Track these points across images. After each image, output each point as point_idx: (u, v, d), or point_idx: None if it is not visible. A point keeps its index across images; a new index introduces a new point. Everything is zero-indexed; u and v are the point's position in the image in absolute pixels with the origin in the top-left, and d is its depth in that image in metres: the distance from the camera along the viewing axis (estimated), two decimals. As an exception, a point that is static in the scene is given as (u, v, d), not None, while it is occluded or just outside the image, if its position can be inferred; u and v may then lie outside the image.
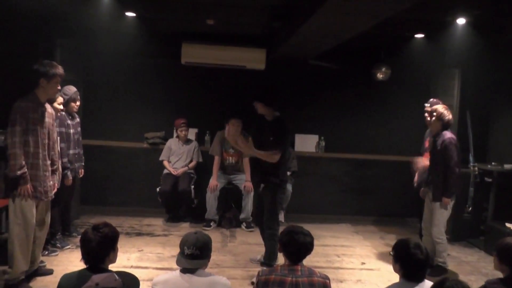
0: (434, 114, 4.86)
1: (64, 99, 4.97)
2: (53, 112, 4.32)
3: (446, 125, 4.81)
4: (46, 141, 4.13)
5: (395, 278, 2.81)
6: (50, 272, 4.43)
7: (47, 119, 4.12)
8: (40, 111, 4.04)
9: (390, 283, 2.82)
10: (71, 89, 5.18)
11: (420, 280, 2.67)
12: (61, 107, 4.84)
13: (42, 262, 4.47)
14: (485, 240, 5.99)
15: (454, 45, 6.07)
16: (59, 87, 4.20)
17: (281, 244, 2.91)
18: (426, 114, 5.35)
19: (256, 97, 4.68)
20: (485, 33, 5.93)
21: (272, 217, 4.68)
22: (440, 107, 4.88)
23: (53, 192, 4.34)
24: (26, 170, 3.92)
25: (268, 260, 4.72)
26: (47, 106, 4.19)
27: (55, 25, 6.00)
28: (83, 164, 5.57)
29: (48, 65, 4.05)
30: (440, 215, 4.83)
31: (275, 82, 6.91)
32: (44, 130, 4.08)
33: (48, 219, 4.35)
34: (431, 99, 5.51)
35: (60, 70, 4.11)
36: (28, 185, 3.95)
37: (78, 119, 5.41)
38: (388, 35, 6.31)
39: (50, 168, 4.22)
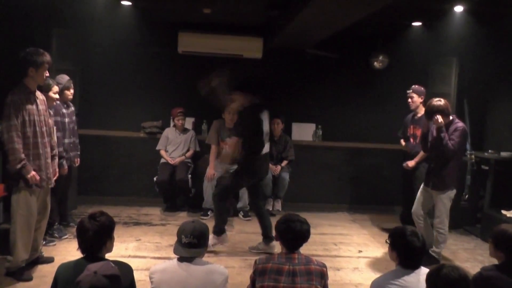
0: (436, 113, 4.58)
1: (58, 88, 4.95)
2: (44, 98, 4.27)
3: (448, 113, 4.66)
4: (44, 128, 4.13)
5: (392, 265, 2.82)
6: (51, 260, 4.45)
7: (40, 106, 4.11)
8: (32, 100, 4.02)
9: (387, 271, 2.84)
10: (64, 78, 5.16)
11: (416, 267, 2.68)
12: (57, 96, 4.82)
13: (40, 252, 4.48)
14: (482, 227, 6.02)
15: (451, 33, 6.07)
16: (48, 74, 4.14)
17: (278, 232, 2.93)
18: (409, 100, 5.55)
19: (235, 87, 4.93)
20: (483, 21, 5.92)
21: (221, 191, 4.95)
22: (441, 103, 4.60)
23: (54, 178, 4.36)
24: (25, 162, 3.91)
25: (216, 232, 4.88)
26: (38, 93, 4.15)
27: (50, 15, 5.97)
28: (78, 153, 5.55)
29: (35, 53, 3.97)
30: (443, 205, 4.75)
31: (270, 71, 6.90)
32: (40, 118, 4.08)
33: (48, 207, 4.37)
34: (413, 86, 5.57)
35: (47, 57, 4.04)
36: (33, 173, 3.95)
37: (73, 108, 5.37)
38: (385, 23, 6.29)
39: (50, 155, 4.24)
